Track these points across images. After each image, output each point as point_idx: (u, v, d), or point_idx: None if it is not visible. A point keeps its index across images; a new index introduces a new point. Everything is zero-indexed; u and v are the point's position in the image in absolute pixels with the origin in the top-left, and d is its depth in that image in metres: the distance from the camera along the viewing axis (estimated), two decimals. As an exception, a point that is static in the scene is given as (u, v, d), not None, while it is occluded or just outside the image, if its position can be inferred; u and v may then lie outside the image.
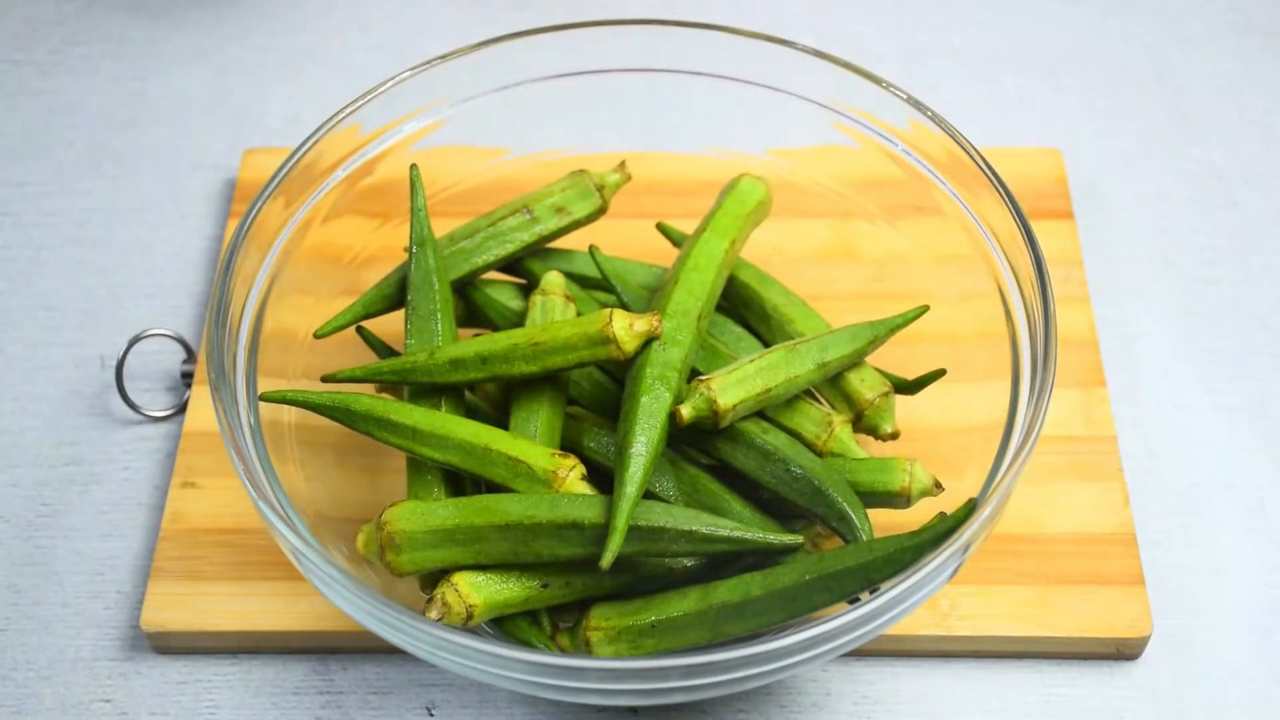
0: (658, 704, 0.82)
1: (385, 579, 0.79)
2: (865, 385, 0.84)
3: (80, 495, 0.91)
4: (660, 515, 0.76)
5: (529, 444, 0.79)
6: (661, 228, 0.91)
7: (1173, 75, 1.10)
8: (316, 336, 0.86)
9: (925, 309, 0.85)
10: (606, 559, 0.73)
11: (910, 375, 0.85)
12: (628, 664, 0.71)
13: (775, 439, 0.80)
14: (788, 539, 0.76)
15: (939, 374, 0.85)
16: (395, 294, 0.86)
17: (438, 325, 0.84)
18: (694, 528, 0.75)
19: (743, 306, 0.88)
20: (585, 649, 0.77)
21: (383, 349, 0.87)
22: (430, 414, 0.80)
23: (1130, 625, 0.83)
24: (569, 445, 0.82)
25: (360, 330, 0.87)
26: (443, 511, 0.77)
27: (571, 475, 0.77)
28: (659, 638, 0.77)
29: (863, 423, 0.84)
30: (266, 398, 0.80)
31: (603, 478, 0.78)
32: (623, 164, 0.89)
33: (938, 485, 0.80)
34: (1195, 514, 0.90)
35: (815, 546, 0.80)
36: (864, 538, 0.77)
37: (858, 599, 0.74)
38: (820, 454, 0.82)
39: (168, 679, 0.85)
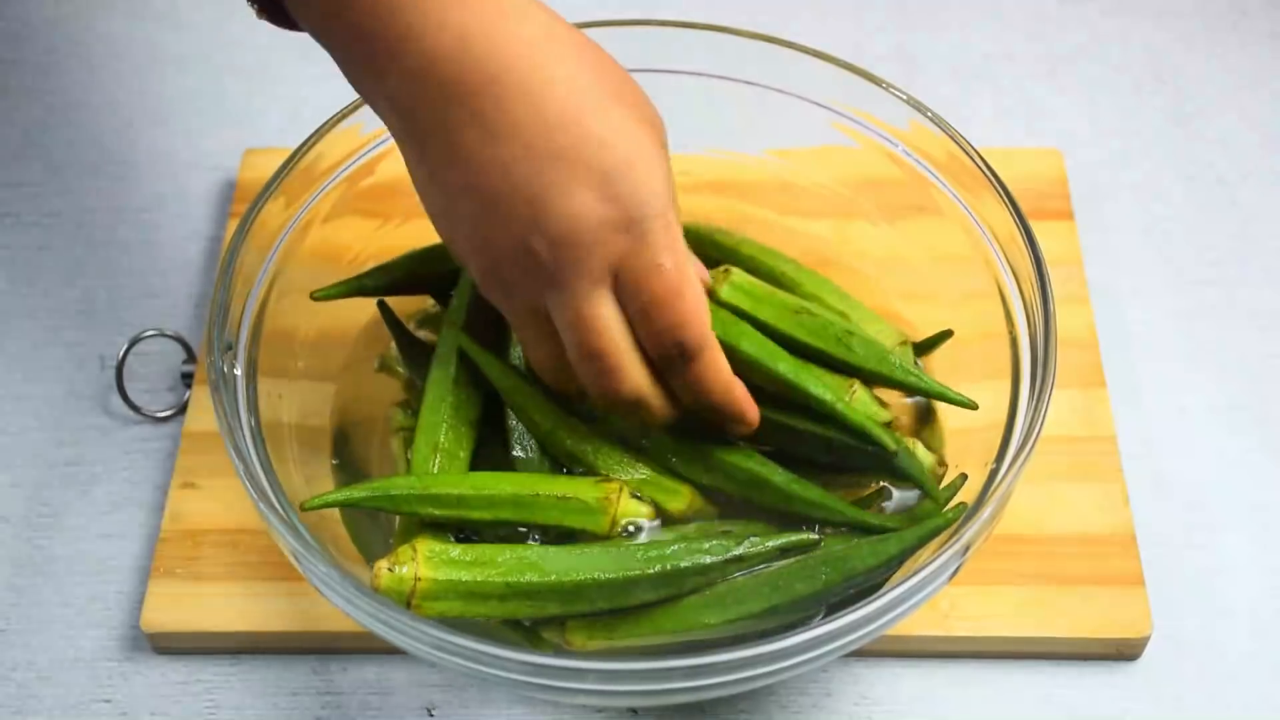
0: (658, 704, 0.82)
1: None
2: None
3: (80, 495, 0.91)
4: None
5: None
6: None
7: (1173, 75, 1.10)
8: (314, 298, 0.84)
9: (949, 334, 0.87)
10: None
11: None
12: (629, 665, 0.71)
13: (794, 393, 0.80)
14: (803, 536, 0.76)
15: (946, 335, 0.86)
16: (401, 277, 0.86)
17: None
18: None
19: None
20: (562, 639, 0.77)
21: (396, 324, 0.86)
22: (471, 477, 0.79)
23: (1130, 625, 0.83)
24: (565, 459, 0.82)
25: (381, 305, 0.86)
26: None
27: (621, 496, 0.78)
28: (633, 624, 0.76)
29: None
30: (308, 506, 0.76)
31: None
32: None
33: (941, 463, 0.81)
34: (1195, 514, 0.90)
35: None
36: (890, 446, 0.77)
37: (857, 593, 0.74)
38: None
39: (168, 679, 0.85)
